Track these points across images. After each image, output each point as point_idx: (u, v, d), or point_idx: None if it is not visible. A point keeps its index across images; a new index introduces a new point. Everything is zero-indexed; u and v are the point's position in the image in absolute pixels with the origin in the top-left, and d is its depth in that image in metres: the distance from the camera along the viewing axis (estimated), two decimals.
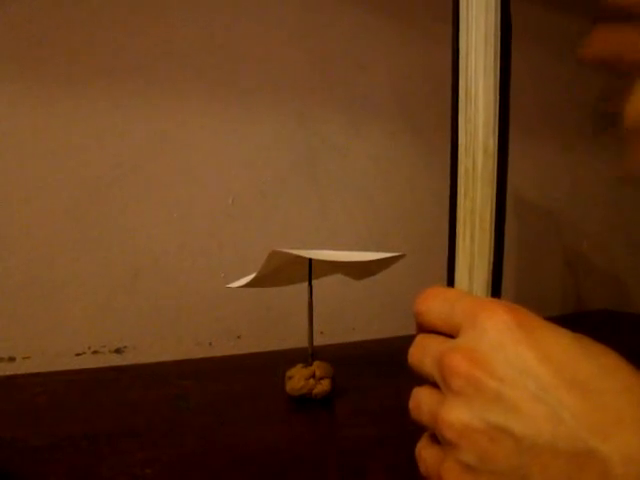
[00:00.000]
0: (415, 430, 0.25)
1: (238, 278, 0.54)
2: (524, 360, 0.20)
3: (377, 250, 0.57)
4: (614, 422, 0.18)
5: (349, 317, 0.83)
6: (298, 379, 0.51)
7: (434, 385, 0.23)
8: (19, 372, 0.61)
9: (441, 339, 0.24)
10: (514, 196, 0.94)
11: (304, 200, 0.79)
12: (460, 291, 0.27)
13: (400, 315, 0.82)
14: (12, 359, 0.62)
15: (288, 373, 0.52)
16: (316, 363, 0.52)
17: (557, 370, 0.19)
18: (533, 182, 1.00)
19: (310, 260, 0.52)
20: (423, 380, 0.24)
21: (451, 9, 0.27)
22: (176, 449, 0.41)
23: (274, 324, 0.76)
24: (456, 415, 0.21)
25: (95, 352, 0.66)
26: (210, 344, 0.73)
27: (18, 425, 0.45)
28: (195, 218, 0.72)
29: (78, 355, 0.65)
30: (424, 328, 0.25)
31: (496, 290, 0.27)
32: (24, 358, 0.63)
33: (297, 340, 0.65)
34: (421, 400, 0.24)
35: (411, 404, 0.25)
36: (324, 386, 0.51)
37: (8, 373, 0.61)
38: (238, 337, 0.75)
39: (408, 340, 0.26)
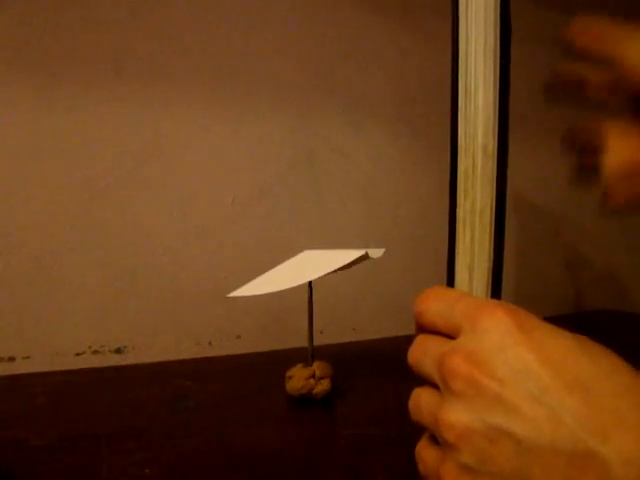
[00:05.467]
0: (415, 430, 0.25)
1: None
2: (524, 362, 0.20)
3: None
4: (614, 424, 0.18)
5: (349, 317, 0.83)
6: (298, 379, 0.51)
7: (434, 386, 0.23)
8: (19, 372, 0.61)
9: (441, 340, 0.24)
10: (514, 196, 0.94)
11: (304, 200, 0.79)
12: (460, 291, 0.27)
13: (400, 315, 0.82)
14: (12, 359, 0.62)
15: (288, 373, 0.52)
16: (316, 363, 0.52)
17: (557, 372, 0.19)
18: (533, 182, 1.00)
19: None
20: (423, 380, 0.24)
21: (451, 9, 0.27)
22: (176, 449, 0.41)
23: (274, 324, 0.76)
24: (456, 416, 0.21)
25: (95, 352, 0.66)
26: (210, 344, 0.73)
27: (18, 425, 0.45)
28: (195, 218, 0.72)
29: (78, 355, 0.65)
30: (424, 328, 0.25)
31: (496, 290, 0.27)
32: (24, 358, 0.63)
33: (297, 340, 0.65)
34: (421, 401, 0.24)
35: (411, 404, 0.25)
36: (324, 386, 0.51)
37: (8, 373, 0.61)
38: (238, 337, 0.75)
39: (408, 340, 0.26)
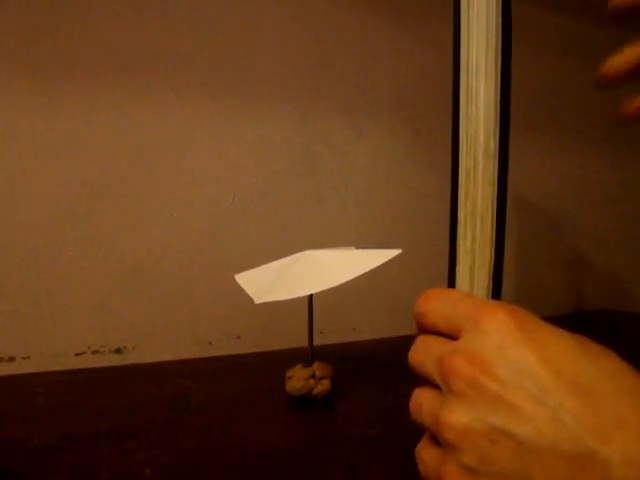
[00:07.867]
0: (415, 431, 0.25)
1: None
2: (525, 362, 0.20)
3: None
4: (615, 425, 0.18)
5: (349, 317, 0.83)
6: (298, 379, 0.51)
7: (435, 386, 0.23)
8: (19, 372, 0.61)
9: (442, 340, 0.24)
10: (514, 196, 0.94)
11: (304, 200, 0.79)
12: (461, 292, 0.27)
13: (400, 315, 0.82)
14: (12, 359, 0.62)
15: (288, 373, 0.52)
16: (316, 363, 0.52)
17: (558, 372, 0.19)
18: (533, 182, 1.00)
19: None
20: (424, 381, 0.24)
21: (452, 9, 0.27)
22: (176, 449, 0.41)
23: (274, 324, 0.76)
24: (457, 417, 0.21)
25: (95, 352, 0.66)
26: (210, 344, 0.73)
27: (18, 425, 0.45)
28: (195, 218, 0.72)
29: (78, 355, 0.65)
30: (425, 329, 0.25)
31: (497, 291, 0.27)
32: (24, 358, 0.63)
33: (297, 340, 0.65)
34: (422, 401, 0.24)
35: (411, 405, 0.25)
36: (324, 386, 0.51)
37: (8, 373, 0.61)
38: (238, 337, 0.75)
39: (408, 340, 0.26)
